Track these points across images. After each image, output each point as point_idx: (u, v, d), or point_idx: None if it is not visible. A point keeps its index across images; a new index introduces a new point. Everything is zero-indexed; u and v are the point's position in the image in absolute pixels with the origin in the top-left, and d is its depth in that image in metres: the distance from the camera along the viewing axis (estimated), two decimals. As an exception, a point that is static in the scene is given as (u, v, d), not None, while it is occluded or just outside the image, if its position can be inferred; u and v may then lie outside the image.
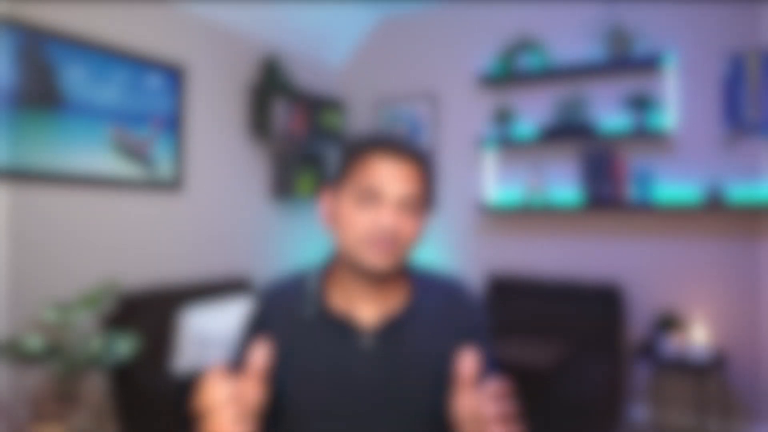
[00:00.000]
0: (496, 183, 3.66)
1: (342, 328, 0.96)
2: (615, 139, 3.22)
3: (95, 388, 2.63)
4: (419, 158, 0.94)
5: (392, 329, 0.97)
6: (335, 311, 0.96)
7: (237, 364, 1.02)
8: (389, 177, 0.90)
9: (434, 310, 1.01)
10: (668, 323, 2.78)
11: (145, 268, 2.92)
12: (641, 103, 3.07)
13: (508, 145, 3.54)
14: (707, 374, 2.86)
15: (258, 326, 1.00)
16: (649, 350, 2.85)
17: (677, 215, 3.10)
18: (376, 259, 0.90)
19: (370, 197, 0.91)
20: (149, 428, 2.50)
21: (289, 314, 0.99)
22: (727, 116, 2.95)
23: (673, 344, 2.78)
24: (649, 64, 3.06)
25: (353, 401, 0.94)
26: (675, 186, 3.08)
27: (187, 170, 3.16)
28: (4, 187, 2.37)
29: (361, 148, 0.93)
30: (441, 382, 0.99)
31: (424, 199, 0.95)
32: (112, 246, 2.77)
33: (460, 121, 3.79)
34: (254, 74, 3.59)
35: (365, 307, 0.98)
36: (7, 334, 2.33)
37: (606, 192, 3.12)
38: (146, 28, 2.93)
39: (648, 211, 3.15)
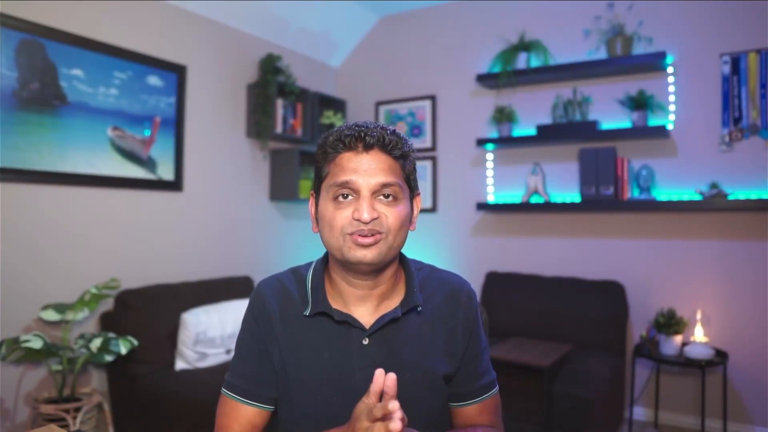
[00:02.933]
0: (496, 182, 3.66)
1: (339, 326, 0.96)
2: (615, 139, 3.22)
3: (95, 387, 2.63)
4: (388, 145, 0.92)
5: (388, 328, 0.96)
6: (333, 309, 0.96)
7: (244, 360, 1.02)
8: (360, 170, 0.89)
9: (433, 310, 1.01)
10: (668, 323, 2.78)
11: (145, 267, 2.91)
12: (641, 103, 3.07)
13: (508, 145, 3.54)
14: (707, 374, 2.86)
15: (259, 321, 1.00)
16: (649, 350, 2.85)
17: (677, 215, 3.10)
18: (360, 252, 0.89)
19: (346, 194, 0.90)
20: (149, 428, 2.50)
21: (289, 310, 0.99)
22: (727, 116, 2.95)
23: (673, 344, 2.78)
24: (649, 64, 3.06)
25: (350, 399, 0.93)
26: (675, 186, 3.08)
27: (186, 170, 3.16)
28: (4, 186, 2.37)
29: (328, 147, 0.93)
30: (438, 383, 0.98)
31: (403, 185, 0.93)
32: (112, 246, 2.77)
33: (460, 121, 3.79)
34: (254, 74, 3.58)
35: (361, 305, 0.97)
36: (7, 334, 2.33)
37: (606, 192, 3.12)
38: (146, 28, 2.93)
39: (648, 211, 3.15)
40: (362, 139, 0.90)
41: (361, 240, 0.88)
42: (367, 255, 0.89)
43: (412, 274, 1.01)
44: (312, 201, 1.00)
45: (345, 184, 0.89)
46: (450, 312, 1.01)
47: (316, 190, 0.97)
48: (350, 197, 0.90)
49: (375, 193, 0.90)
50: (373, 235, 0.89)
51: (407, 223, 0.94)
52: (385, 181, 0.90)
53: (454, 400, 1.04)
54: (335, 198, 0.91)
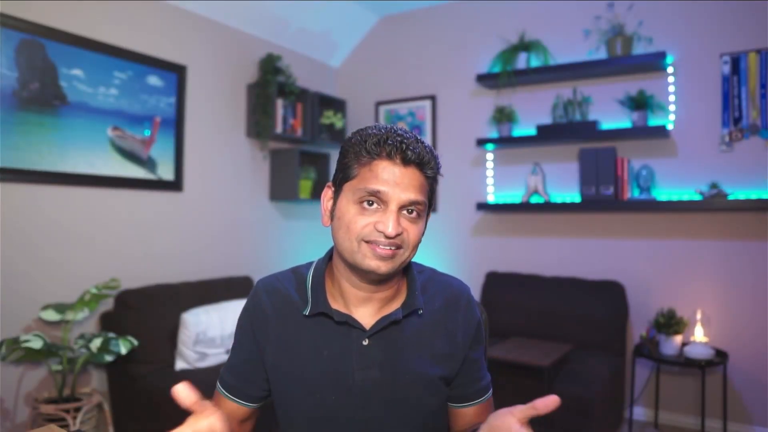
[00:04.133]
0: (496, 182, 3.66)
1: (339, 327, 0.96)
2: (615, 139, 3.22)
3: (95, 387, 2.63)
4: (426, 164, 0.91)
5: (388, 329, 0.96)
6: (333, 309, 0.96)
7: (236, 356, 1.02)
8: (392, 182, 0.88)
9: (433, 313, 1.01)
10: (668, 323, 2.78)
11: (145, 267, 2.91)
12: (641, 103, 3.07)
13: (508, 145, 3.54)
14: (707, 374, 2.86)
15: (254, 320, 1.00)
16: (649, 350, 2.85)
17: (677, 215, 3.10)
18: (375, 263, 0.88)
19: (372, 201, 0.89)
20: (149, 428, 2.50)
21: (287, 310, 0.99)
22: (727, 116, 2.95)
23: (673, 344, 2.78)
24: (649, 64, 3.06)
25: (347, 399, 0.94)
26: (675, 186, 3.08)
27: (186, 170, 3.16)
28: (4, 186, 2.37)
29: (364, 150, 0.90)
30: (436, 384, 0.99)
31: (427, 203, 0.93)
32: (112, 246, 2.77)
33: (460, 121, 3.79)
34: (254, 74, 3.58)
35: (362, 306, 0.97)
36: (7, 334, 2.33)
37: (606, 192, 3.12)
38: (146, 28, 2.93)
39: (648, 211, 3.15)
40: (403, 152, 0.89)
41: (380, 251, 0.88)
42: (381, 267, 0.89)
43: (414, 278, 1.01)
44: (329, 193, 0.97)
45: (375, 193, 0.88)
46: (450, 316, 1.01)
47: (337, 185, 0.94)
48: (375, 205, 0.89)
49: (402, 208, 0.89)
50: (391, 248, 0.89)
51: (420, 240, 0.94)
52: (415, 198, 0.89)
53: (454, 401, 1.04)
54: (360, 202, 0.89)
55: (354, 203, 0.90)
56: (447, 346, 1.00)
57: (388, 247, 0.88)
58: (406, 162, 0.89)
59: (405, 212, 0.90)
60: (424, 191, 0.91)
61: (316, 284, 0.98)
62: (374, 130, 0.91)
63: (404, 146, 0.88)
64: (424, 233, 0.96)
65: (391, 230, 0.86)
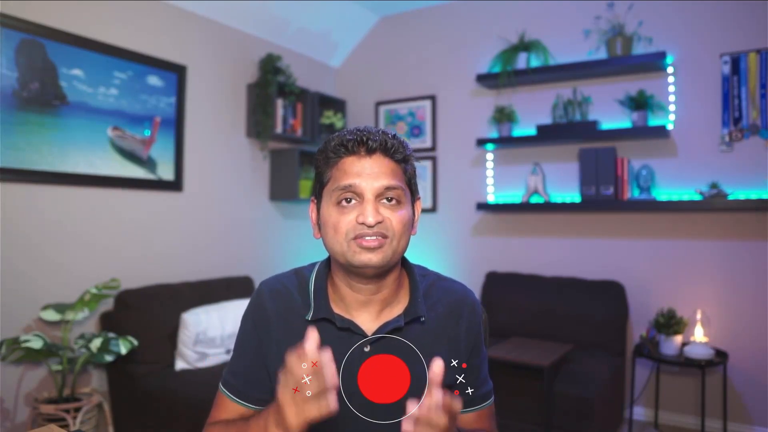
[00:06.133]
0: (496, 182, 3.66)
1: (341, 332, 0.95)
2: (615, 139, 3.22)
3: (95, 387, 2.63)
4: (390, 149, 0.92)
5: (390, 335, 0.95)
6: (336, 314, 0.95)
7: (239, 358, 1.02)
8: (363, 174, 0.90)
9: (436, 319, 1.00)
10: (668, 323, 2.78)
11: (145, 267, 2.91)
12: (641, 103, 3.07)
13: (508, 145, 3.54)
14: (707, 374, 2.86)
15: (257, 322, 1.00)
16: (649, 350, 2.85)
17: (677, 215, 3.10)
18: (366, 256, 0.89)
19: (349, 198, 0.90)
20: (149, 428, 2.50)
21: (289, 313, 0.98)
22: (727, 116, 2.95)
23: (673, 344, 2.78)
24: (649, 64, 3.06)
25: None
26: (675, 186, 3.08)
27: (186, 170, 3.16)
28: (4, 186, 2.37)
29: (330, 152, 0.93)
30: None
31: (405, 188, 0.94)
32: (112, 246, 2.77)
33: (460, 121, 3.79)
34: (254, 74, 3.58)
35: (363, 310, 0.97)
36: (7, 334, 2.33)
37: (606, 192, 3.12)
38: (146, 28, 2.93)
39: (648, 211, 3.15)
40: (365, 143, 0.91)
41: (366, 243, 0.88)
42: (372, 258, 0.89)
43: (416, 282, 1.00)
44: (313, 207, 0.99)
45: (348, 188, 0.89)
46: (453, 323, 1.01)
47: (317, 195, 0.97)
48: (353, 201, 0.90)
49: (378, 196, 0.90)
50: (377, 238, 0.89)
51: (410, 227, 0.95)
52: (388, 184, 0.90)
53: None
54: (338, 202, 0.91)
55: (333, 205, 0.91)
56: (450, 354, 0.98)
57: (374, 237, 0.89)
58: (369, 151, 0.91)
59: (384, 201, 0.91)
60: (397, 176, 0.92)
61: (318, 288, 0.98)
62: (337, 134, 0.95)
63: (364, 138, 0.91)
64: (413, 221, 0.97)
65: (370, 219, 0.88)
